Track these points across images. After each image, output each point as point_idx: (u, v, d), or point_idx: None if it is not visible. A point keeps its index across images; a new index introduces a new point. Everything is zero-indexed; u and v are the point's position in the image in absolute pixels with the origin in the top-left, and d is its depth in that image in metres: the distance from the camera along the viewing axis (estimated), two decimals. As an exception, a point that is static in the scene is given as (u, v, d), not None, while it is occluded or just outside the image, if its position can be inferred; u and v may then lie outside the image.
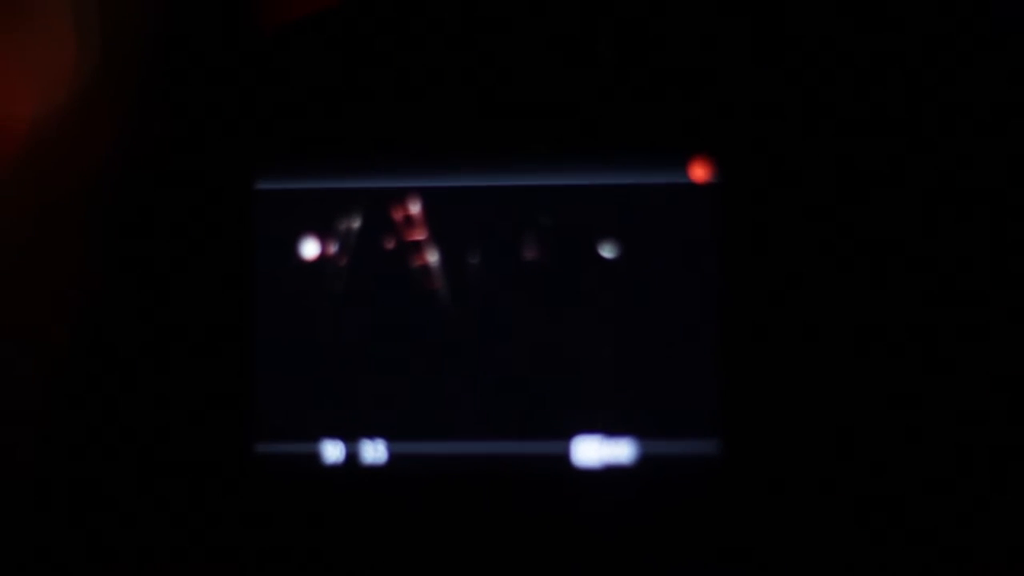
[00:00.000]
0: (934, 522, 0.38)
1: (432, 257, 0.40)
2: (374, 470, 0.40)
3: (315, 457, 0.40)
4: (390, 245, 0.40)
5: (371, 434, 0.40)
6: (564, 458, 0.40)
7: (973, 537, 0.38)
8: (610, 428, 0.40)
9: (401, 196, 0.40)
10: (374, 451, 0.40)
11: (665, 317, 0.40)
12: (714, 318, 0.40)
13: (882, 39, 0.39)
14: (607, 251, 0.40)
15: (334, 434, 0.40)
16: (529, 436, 0.40)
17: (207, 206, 0.40)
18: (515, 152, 0.40)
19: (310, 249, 0.40)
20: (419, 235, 0.40)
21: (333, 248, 0.40)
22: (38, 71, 0.24)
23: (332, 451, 0.40)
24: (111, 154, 0.27)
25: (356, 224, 0.40)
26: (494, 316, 0.40)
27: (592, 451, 0.40)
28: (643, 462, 0.39)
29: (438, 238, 0.40)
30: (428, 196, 0.40)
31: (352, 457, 0.40)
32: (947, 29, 0.39)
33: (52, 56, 0.24)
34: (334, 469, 0.40)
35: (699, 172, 0.40)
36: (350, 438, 0.40)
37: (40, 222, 0.26)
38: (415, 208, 0.40)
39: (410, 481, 0.40)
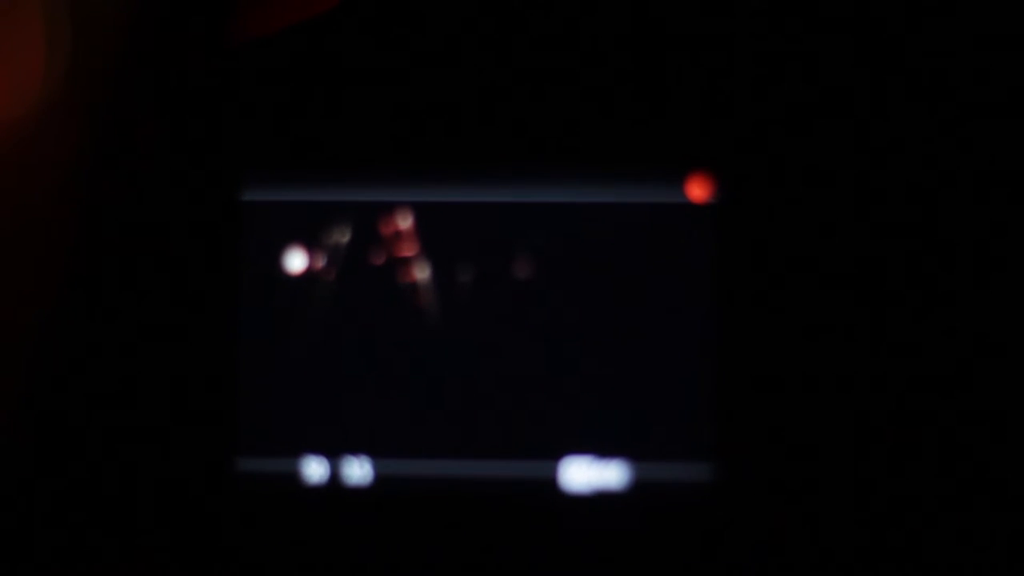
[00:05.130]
0: (932, 552, 0.38)
1: (422, 273, 0.39)
2: (358, 488, 0.39)
3: (298, 473, 0.39)
4: (379, 260, 0.39)
5: (355, 451, 0.39)
6: (552, 479, 0.39)
7: (971, 564, 0.38)
8: (600, 449, 0.39)
9: (391, 210, 0.39)
10: (359, 468, 0.39)
11: (660, 337, 0.39)
12: (710, 340, 0.39)
13: (889, 54, 0.39)
14: (601, 269, 0.39)
15: (318, 450, 0.39)
16: (517, 456, 0.39)
17: (191, 216, 0.39)
18: (508, 168, 0.39)
19: (297, 262, 0.39)
20: (409, 250, 0.39)
21: (320, 261, 0.39)
22: (6, 74, 0.23)
23: (316, 468, 0.39)
24: (85, 163, 0.26)
25: (344, 238, 0.39)
26: (484, 333, 0.39)
27: (581, 473, 0.39)
28: (633, 485, 0.39)
29: (428, 254, 0.39)
30: (419, 211, 0.39)
31: (336, 474, 0.39)
32: (956, 44, 0.38)
33: (20, 59, 0.23)
34: (317, 486, 0.39)
35: (697, 191, 0.39)
36: (334, 455, 0.39)
37: (9, 232, 0.25)
38: (405, 223, 0.39)
39: (394, 501, 0.39)
